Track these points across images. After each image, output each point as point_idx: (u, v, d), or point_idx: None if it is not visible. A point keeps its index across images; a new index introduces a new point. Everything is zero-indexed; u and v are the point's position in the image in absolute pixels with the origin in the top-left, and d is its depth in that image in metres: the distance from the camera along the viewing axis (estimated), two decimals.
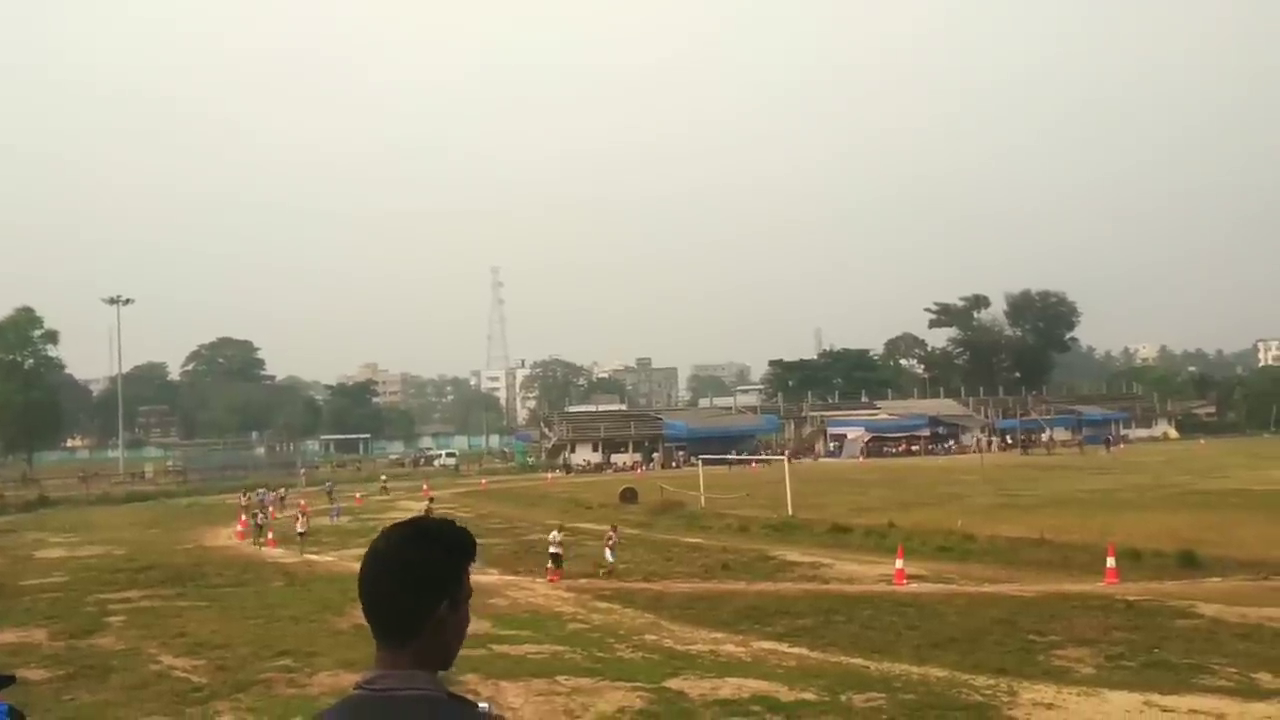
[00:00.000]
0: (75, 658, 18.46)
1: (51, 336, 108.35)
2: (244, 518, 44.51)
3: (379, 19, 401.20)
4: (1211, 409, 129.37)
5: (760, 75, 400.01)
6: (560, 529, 30.14)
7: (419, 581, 2.26)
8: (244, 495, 54.01)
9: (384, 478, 79.58)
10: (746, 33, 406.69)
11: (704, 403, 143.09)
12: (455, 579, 2.32)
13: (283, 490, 58.36)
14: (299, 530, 36.80)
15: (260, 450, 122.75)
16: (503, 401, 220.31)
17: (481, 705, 2.32)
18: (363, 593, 2.27)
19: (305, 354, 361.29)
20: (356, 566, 2.38)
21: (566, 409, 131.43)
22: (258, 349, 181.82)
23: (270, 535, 40.06)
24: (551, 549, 28.49)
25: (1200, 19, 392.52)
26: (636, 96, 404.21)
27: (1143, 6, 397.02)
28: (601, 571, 28.37)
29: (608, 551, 28.84)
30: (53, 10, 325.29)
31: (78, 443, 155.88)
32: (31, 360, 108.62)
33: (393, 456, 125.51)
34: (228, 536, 43.17)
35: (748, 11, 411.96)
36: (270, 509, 50.43)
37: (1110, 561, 25.29)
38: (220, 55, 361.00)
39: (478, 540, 2.40)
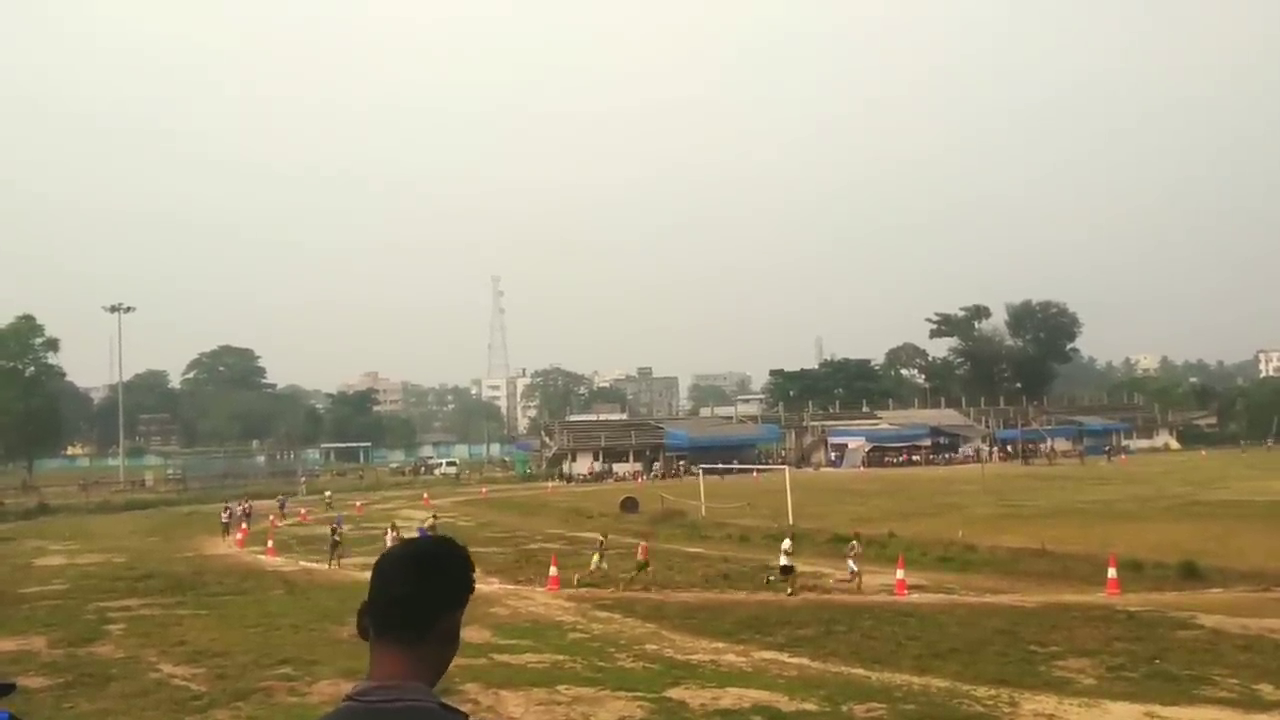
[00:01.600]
0: (75, 666, 18.44)
1: (52, 344, 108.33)
2: (245, 526, 44.38)
3: (383, 41, 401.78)
4: (1213, 420, 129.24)
5: (764, 107, 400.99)
6: (792, 537, 28.41)
7: (455, 584, 2.33)
8: (225, 509, 52.67)
9: (328, 493, 71.81)
10: (755, 73, 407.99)
11: (705, 412, 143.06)
12: (470, 588, 2.38)
13: (248, 503, 56.48)
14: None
15: (261, 459, 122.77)
16: (503, 410, 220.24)
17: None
18: (389, 587, 2.28)
19: (306, 363, 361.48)
20: (357, 575, 2.39)
21: (567, 418, 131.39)
22: (258, 357, 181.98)
23: (270, 544, 40.11)
24: (783, 561, 26.85)
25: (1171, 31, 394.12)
26: (646, 120, 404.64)
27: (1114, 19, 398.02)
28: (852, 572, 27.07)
29: (850, 563, 27.40)
30: (64, 37, 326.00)
31: (78, 450, 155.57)
32: (32, 368, 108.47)
33: (393, 465, 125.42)
34: (228, 545, 43.16)
35: (755, 52, 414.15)
36: (273, 519, 50.37)
37: (1111, 572, 25.26)
38: (223, 70, 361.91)
39: (480, 549, 2.43)
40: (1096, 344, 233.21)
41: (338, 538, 36.44)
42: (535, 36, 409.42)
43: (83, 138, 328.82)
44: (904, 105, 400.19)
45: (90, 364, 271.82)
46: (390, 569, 2.31)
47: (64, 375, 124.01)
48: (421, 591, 2.26)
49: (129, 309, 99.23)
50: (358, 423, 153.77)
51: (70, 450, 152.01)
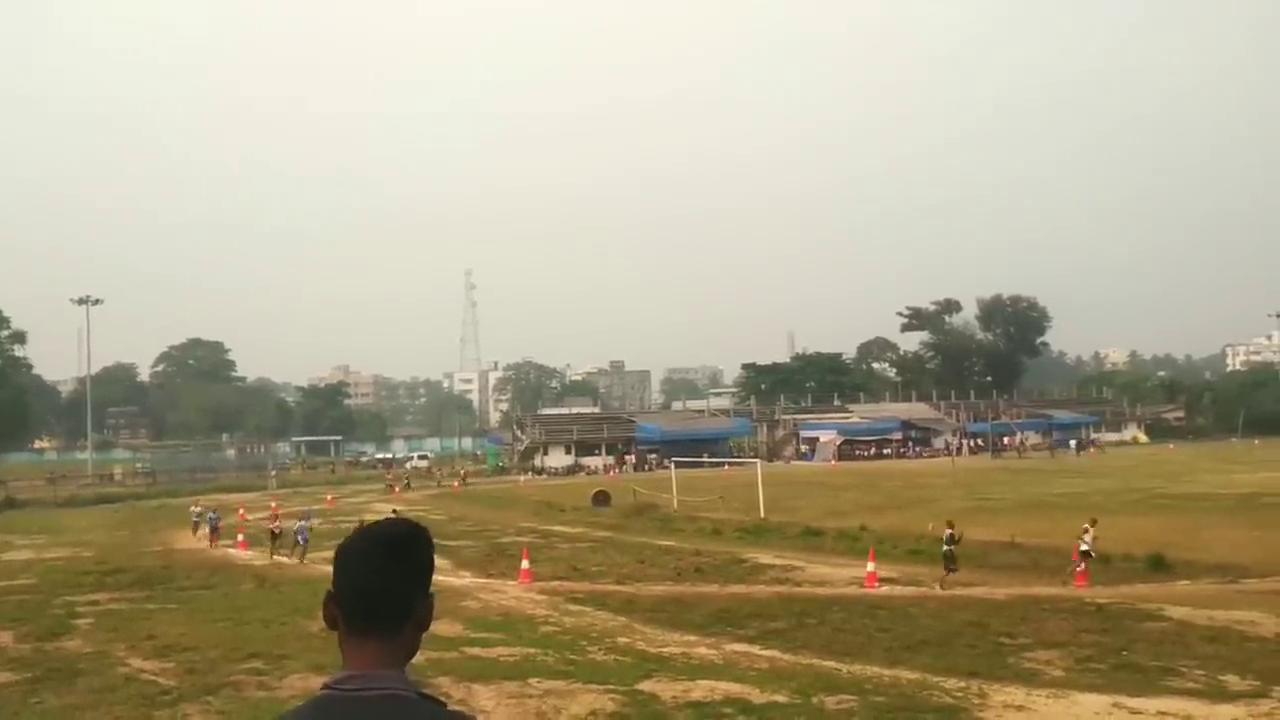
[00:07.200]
0: (42, 661, 18.24)
1: (19, 337, 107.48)
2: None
3: (359, 38, 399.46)
4: (1180, 414, 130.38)
5: (738, 108, 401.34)
6: (1093, 522, 26.65)
7: (424, 569, 2.34)
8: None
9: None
10: (729, 74, 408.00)
11: (677, 405, 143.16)
12: (432, 570, 2.39)
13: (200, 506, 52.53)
14: None
15: (231, 452, 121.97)
16: (475, 404, 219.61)
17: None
18: (360, 580, 2.27)
19: (276, 356, 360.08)
20: (328, 569, 2.37)
21: (539, 411, 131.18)
22: (228, 350, 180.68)
23: (241, 538, 39.85)
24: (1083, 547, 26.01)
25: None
26: (621, 119, 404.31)
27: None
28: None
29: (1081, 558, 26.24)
30: (41, 37, 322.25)
31: (45, 444, 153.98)
32: None
33: (364, 459, 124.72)
34: (199, 539, 42.80)
35: (728, 54, 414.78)
36: (241, 513, 49.87)
37: (1080, 565, 25.45)
38: (196, 63, 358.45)
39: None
40: (1066, 338, 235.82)
41: (276, 530, 36.68)
42: (513, 35, 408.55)
43: (49, 126, 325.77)
44: (879, 107, 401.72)
45: (58, 357, 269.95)
46: (357, 559, 2.29)
47: (31, 368, 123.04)
48: (394, 584, 2.26)
49: (97, 301, 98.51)
50: (329, 416, 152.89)
51: (38, 444, 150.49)
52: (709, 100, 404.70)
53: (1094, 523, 26.66)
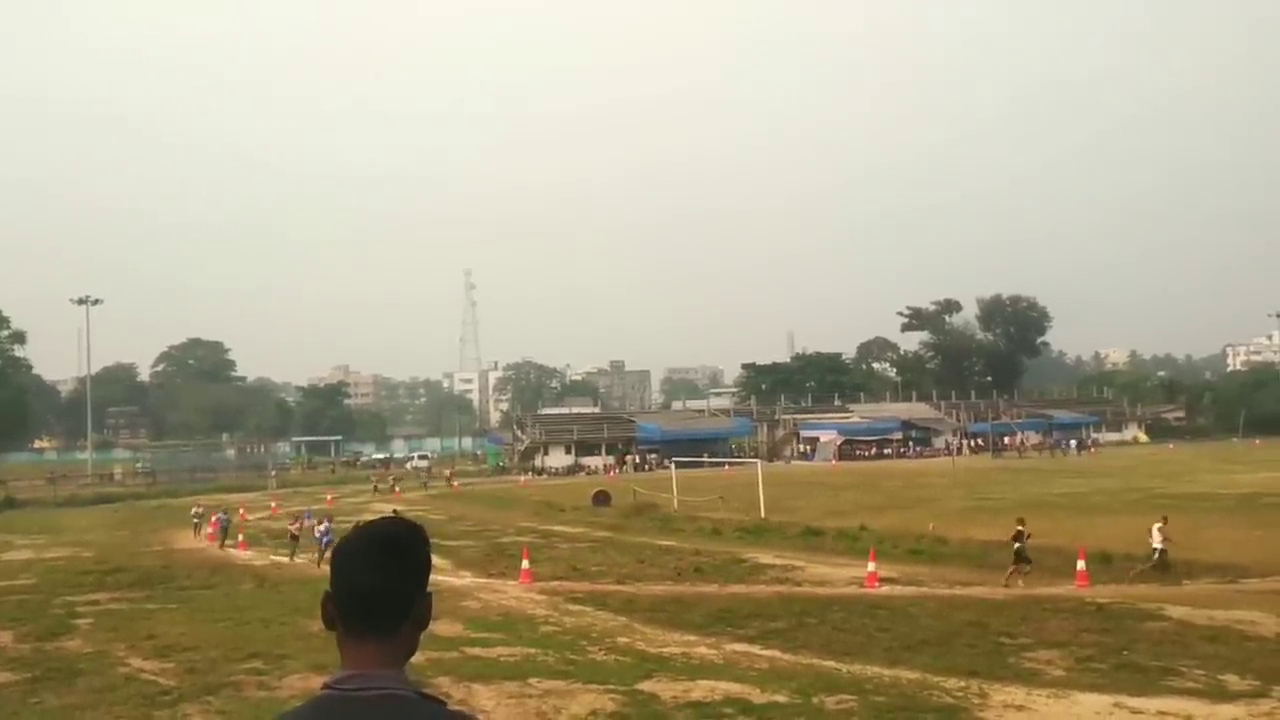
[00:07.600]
0: (42, 660, 18.23)
1: (19, 337, 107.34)
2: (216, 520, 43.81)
3: (359, 39, 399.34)
4: (1181, 414, 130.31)
5: (740, 108, 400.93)
6: (1165, 520, 26.73)
7: (421, 567, 2.33)
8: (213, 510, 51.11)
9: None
10: (730, 75, 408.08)
11: (677, 405, 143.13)
12: (430, 565, 2.38)
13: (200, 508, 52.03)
14: None
15: (230, 452, 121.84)
16: (475, 404, 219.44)
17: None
18: (357, 580, 2.25)
19: (276, 356, 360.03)
20: (328, 569, 2.36)
21: (539, 411, 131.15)
22: (228, 350, 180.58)
23: (241, 539, 39.82)
24: (1155, 545, 25.77)
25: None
26: (621, 119, 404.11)
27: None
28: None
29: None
30: (29, 21, 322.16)
31: (45, 444, 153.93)
32: None
33: (361, 459, 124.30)
34: (199, 539, 42.80)
35: (729, 54, 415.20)
36: (242, 513, 49.84)
37: (1081, 564, 25.46)
38: (194, 60, 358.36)
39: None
40: (1066, 338, 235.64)
41: (295, 531, 36.63)
42: (513, 35, 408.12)
43: (48, 125, 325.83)
44: (879, 107, 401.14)
45: (58, 357, 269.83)
46: (353, 559, 2.28)
47: (31, 368, 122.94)
48: (392, 583, 2.24)
49: (97, 301, 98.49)
50: (329, 416, 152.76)
51: (37, 444, 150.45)
52: (709, 100, 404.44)
53: (1165, 520, 26.56)
